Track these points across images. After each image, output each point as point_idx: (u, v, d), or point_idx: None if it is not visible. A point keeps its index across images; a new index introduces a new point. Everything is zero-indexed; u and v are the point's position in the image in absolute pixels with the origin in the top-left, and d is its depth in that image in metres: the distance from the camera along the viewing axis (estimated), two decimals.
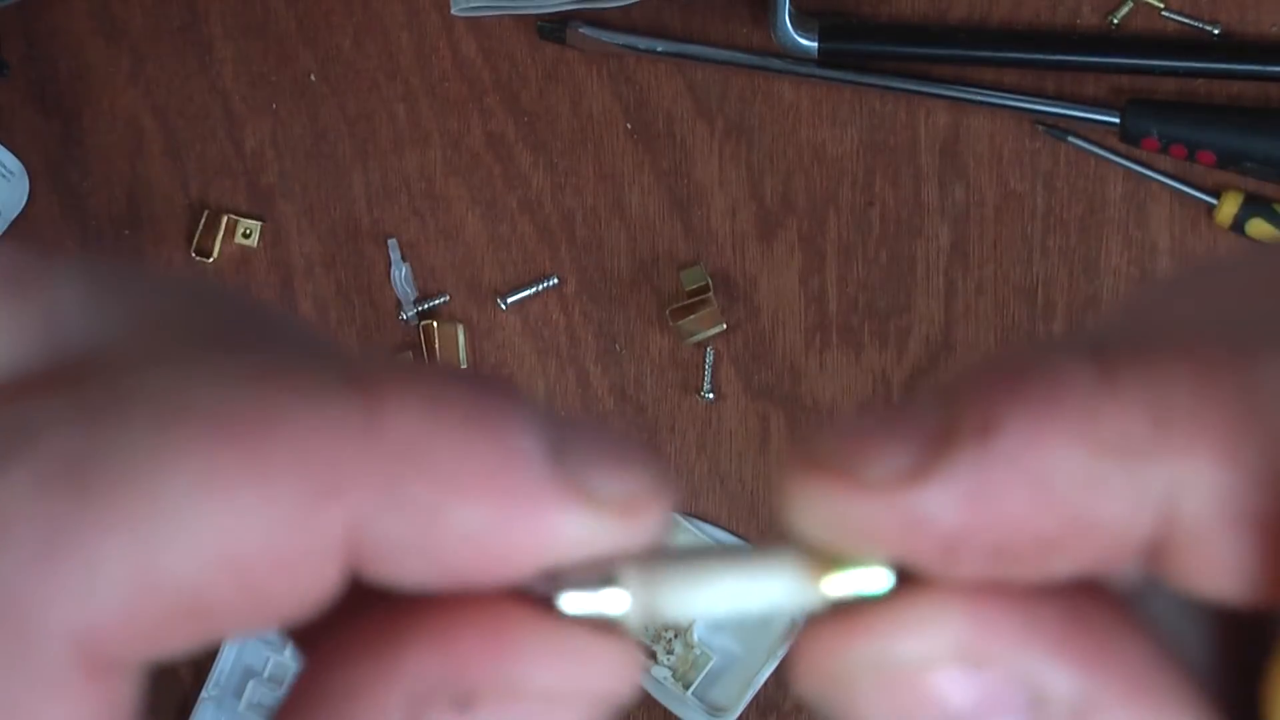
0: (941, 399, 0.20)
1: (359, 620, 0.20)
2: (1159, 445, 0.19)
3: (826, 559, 0.21)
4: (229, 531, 0.19)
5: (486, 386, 0.20)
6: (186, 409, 0.19)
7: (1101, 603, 0.20)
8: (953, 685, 0.20)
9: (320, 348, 0.22)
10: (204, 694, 0.75)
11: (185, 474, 0.19)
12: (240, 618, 0.19)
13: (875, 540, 0.20)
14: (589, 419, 0.20)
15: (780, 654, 0.73)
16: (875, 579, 0.20)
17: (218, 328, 0.21)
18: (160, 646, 0.19)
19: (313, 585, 0.20)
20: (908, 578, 0.20)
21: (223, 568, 0.19)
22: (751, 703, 0.74)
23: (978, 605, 0.20)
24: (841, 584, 0.21)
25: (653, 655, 0.74)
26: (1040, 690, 0.19)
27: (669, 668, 0.74)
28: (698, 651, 0.74)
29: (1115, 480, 0.19)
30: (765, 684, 0.73)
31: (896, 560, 0.20)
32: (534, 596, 0.20)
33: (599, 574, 0.21)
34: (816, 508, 0.20)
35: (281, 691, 0.75)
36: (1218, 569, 0.19)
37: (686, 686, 0.73)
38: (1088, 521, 0.19)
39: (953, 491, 0.19)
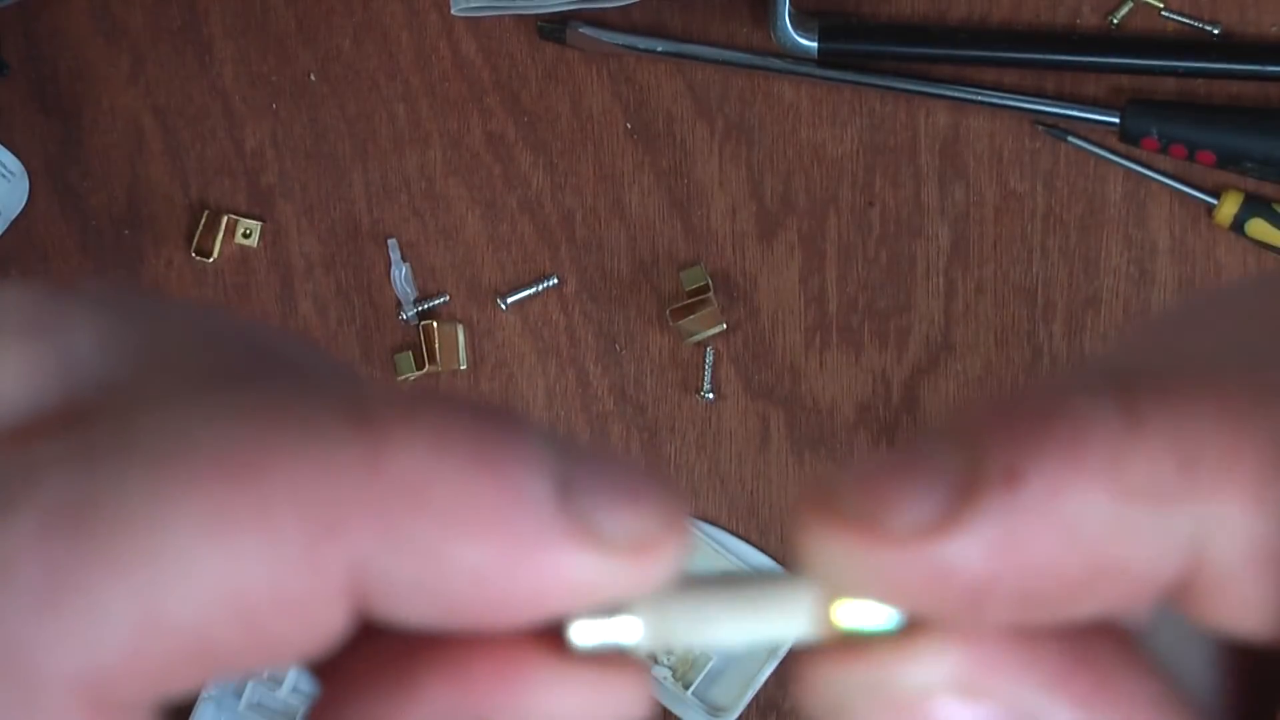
0: (962, 443, 0.19)
1: (373, 650, 0.20)
2: (1187, 489, 0.19)
3: (838, 592, 0.21)
4: (231, 573, 0.19)
5: (493, 421, 0.20)
6: (187, 450, 0.19)
7: (1106, 637, 0.20)
8: (951, 715, 0.20)
9: (328, 377, 0.22)
10: (204, 694, 0.75)
11: (186, 516, 0.19)
12: (246, 658, 0.19)
13: (897, 591, 0.19)
14: (600, 449, 0.20)
15: (780, 654, 0.73)
16: (885, 613, 0.20)
17: (226, 361, 0.21)
18: (166, 688, 0.19)
19: (318, 626, 0.19)
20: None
21: (226, 609, 0.19)
22: (751, 703, 0.74)
23: (982, 640, 0.19)
24: (851, 615, 0.20)
25: (652, 655, 0.74)
26: None
27: (669, 668, 0.74)
28: (698, 651, 0.74)
29: (1143, 525, 0.19)
30: (765, 684, 0.73)
31: (920, 610, 0.20)
32: (547, 625, 0.20)
33: (611, 604, 0.20)
34: (837, 558, 0.20)
35: (281, 691, 0.75)
36: (1244, 608, 0.19)
37: (686, 686, 0.73)
38: (1115, 566, 0.19)
39: (980, 542, 0.19)
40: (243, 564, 0.19)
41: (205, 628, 0.19)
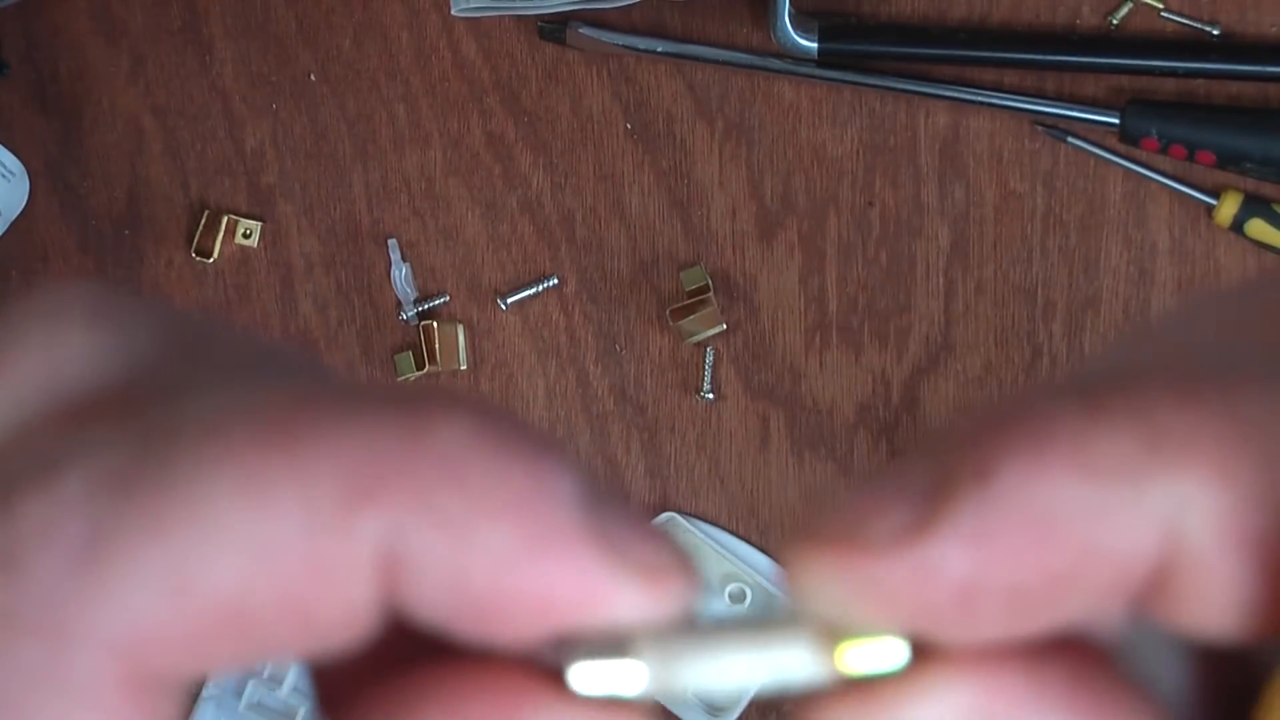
0: (933, 454, 0.20)
1: (376, 687, 0.20)
2: (1153, 465, 0.19)
3: (842, 632, 0.21)
4: (268, 537, 0.19)
5: (534, 431, 0.20)
6: (229, 421, 0.19)
7: (1098, 663, 0.20)
8: None
9: (369, 385, 0.23)
10: (204, 693, 0.75)
11: (227, 480, 0.19)
12: (281, 633, 0.19)
13: (889, 603, 0.20)
14: (625, 495, 0.20)
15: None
16: (891, 653, 0.20)
17: (272, 364, 0.22)
18: (201, 661, 0.19)
19: (349, 600, 0.19)
20: (923, 651, 0.20)
21: (261, 574, 0.19)
22: (751, 703, 0.74)
23: (987, 670, 0.20)
24: (858, 658, 0.20)
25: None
26: None
27: None
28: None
29: (1116, 505, 0.19)
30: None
31: (916, 624, 0.20)
32: (548, 666, 0.20)
33: (614, 644, 0.20)
34: (826, 580, 0.20)
35: (281, 691, 0.75)
36: (1219, 599, 0.19)
37: None
38: (1097, 550, 0.19)
39: (958, 538, 0.19)
40: (279, 527, 0.19)
41: (241, 596, 0.19)
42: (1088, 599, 0.19)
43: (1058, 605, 0.19)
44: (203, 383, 0.21)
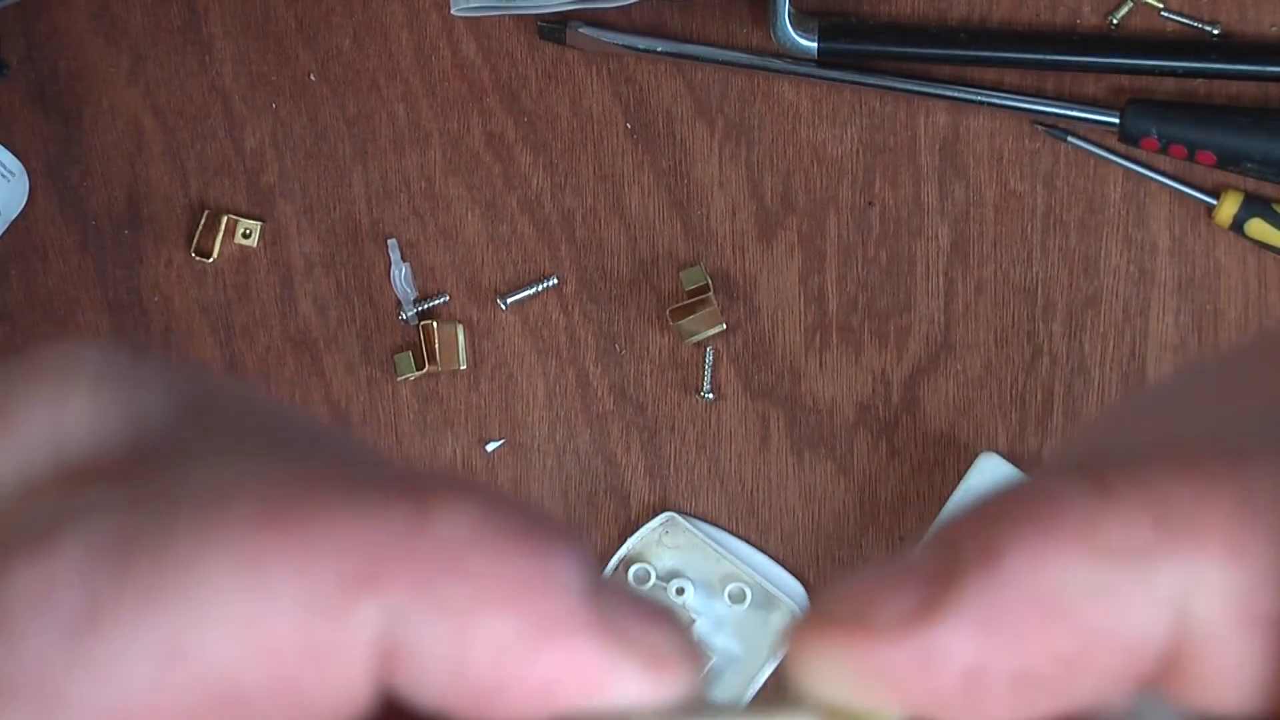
0: (941, 539, 0.20)
1: None
2: (1163, 546, 0.19)
3: (845, 717, 0.20)
4: (265, 617, 0.19)
5: (541, 516, 0.20)
6: (232, 496, 0.19)
7: None
8: None
9: (377, 461, 0.22)
10: None
11: (225, 557, 0.19)
12: (274, 713, 0.19)
13: (894, 688, 0.19)
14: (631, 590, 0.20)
15: (780, 654, 0.73)
16: None
17: (282, 434, 0.22)
18: None
19: (344, 686, 0.19)
20: None
21: (256, 653, 0.19)
22: (751, 703, 0.74)
23: None
24: None
25: None
26: None
27: None
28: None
29: (1125, 586, 0.19)
30: (765, 684, 0.73)
31: (922, 709, 0.19)
32: None
33: None
34: (831, 664, 0.20)
35: None
36: (1232, 679, 0.19)
37: None
38: (1107, 633, 0.19)
39: (965, 623, 0.19)
40: (276, 608, 0.19)
41: (234, 672, 0.19)
42: (1097, 682, 0.19)
43: (1066, 689, 0.19)
44: (211, 450, 0.21)
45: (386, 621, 0.19)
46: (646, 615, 0.20)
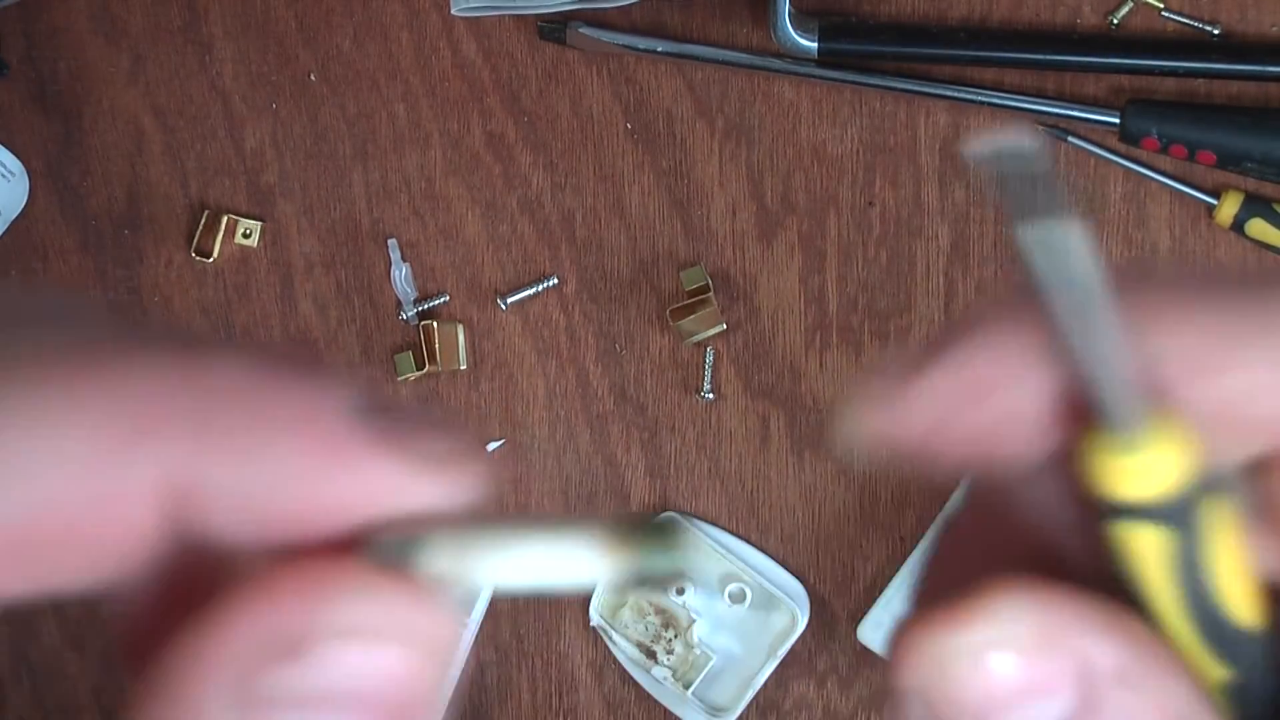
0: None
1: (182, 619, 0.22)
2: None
3: (623, 532, 0.22)
4: (50, 471, 0.21)
5: (307, 356, 0.22)
6: (18, 366, 0.21)
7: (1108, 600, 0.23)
8: (1019, 669, 0.22)
9: (159, 328, 0.25)
10: None
11: (17, 418, 0.21)
12: (68, 559, 0.21)
13: None
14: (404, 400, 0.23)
15: (780, 654, 0.73)
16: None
17: (65, 322, 0.24)
18: None
19: (133, 529, 0.21)
20: None
21: (45, 504, 0.21)
22: (751, 703, 0.74)
23: (1043, 599, 0.22)
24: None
25: (653, 655, 0.74)
26: (1091, 665, 0.22)
27: (669, 668, 0.74)
28: (698, 651, 0.74)
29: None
30: (765, 684, 0.73)
31: None
32: (351, 552, 0.22)
33: (413, 532, 0.22)
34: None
35: None
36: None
37: (686, 686, 0.73)
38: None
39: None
40: (60, 461, 0.21)
41: (29, 523, 0.21)
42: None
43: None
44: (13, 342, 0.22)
45: (172, 467, 0.21)
46: (424, 426, 0.22)
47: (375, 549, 0.22)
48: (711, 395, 0.75)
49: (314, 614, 0.21)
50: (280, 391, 0.21)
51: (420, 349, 0.76)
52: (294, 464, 0.21)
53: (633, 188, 0.75)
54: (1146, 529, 0.22)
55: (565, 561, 0.22)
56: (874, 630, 0.72)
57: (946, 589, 0.22)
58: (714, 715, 0.74)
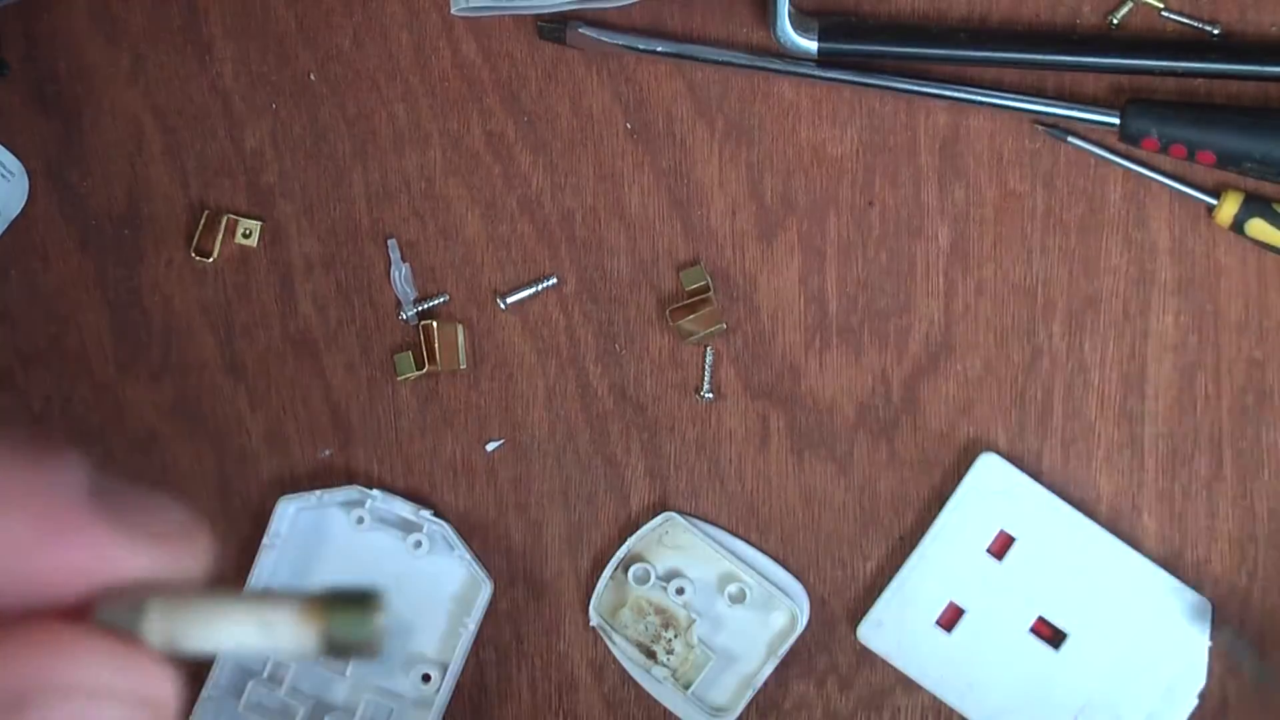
0: None
1: None
2: None
3: (320, 604, 0.25)
4: None
5: (40, 438, 0.24)
6: None
7: None
8: None
9: None
10: (203, 694, 0.75)
11: None
12: None
13: None
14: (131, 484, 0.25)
15: (780, 654, 0.73)
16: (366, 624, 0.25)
17: None
18: None
19: None
20: None
21: None
22: (751, 703, 0.74)
23: None
24: (340, 628, 0.25)
25: (653, 655, 0.74)
26: None
27: (669, 668, 0.74)
28: (698, 651, 0.74)
29: None
30: (765, 684, 0.73)
31: None
32: (80, 617, 0.24)
33: (134, 599, 0.24)
34: None
35: (281, 692, 0.75)
36: None
37: (686, 686, 0.73)
38: None
39: None
40: None
41: None
42: None
43: None
44: None
45: None
46: (144, 505, 0.24)
47: (102, 614, 0.24)
48: (711, 395, 0.75)
49: (37, 672, 0.22)
50: (10, 468, 0.23)
51: (420, 349, 0.76)
52: (23, 533, 0.23)
53: (633, 188, 0.75)
54: None
55: (269, 630, 0.25)
56: (874, 630, 0.72)
57: None
58: (714, 715, 0.74)
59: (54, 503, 0.23)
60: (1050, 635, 0.71)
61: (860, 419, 0.74)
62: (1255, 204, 0.70)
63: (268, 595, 0.25)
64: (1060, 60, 0.71)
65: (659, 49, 0.73)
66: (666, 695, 0.74)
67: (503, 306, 0.76)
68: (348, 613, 0.25)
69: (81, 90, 0.77)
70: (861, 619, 0.73)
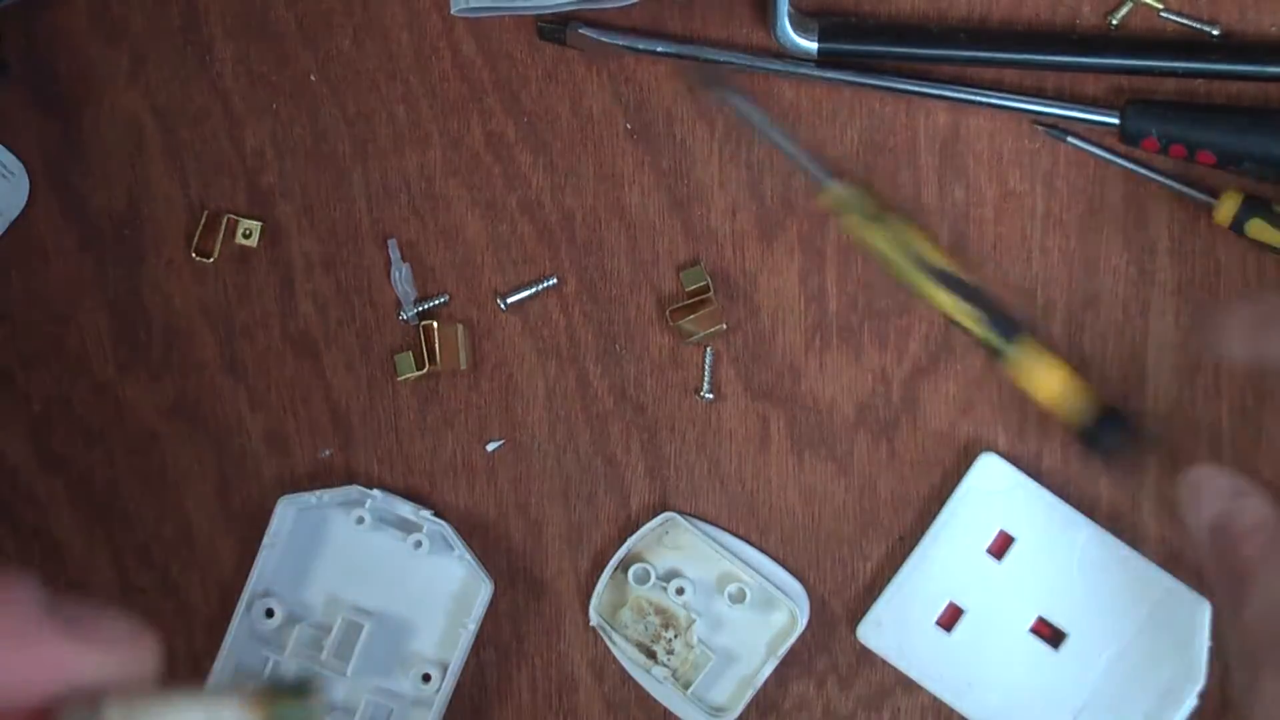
0: None
1: None
2: None
3: (264, 695, 0.27)
4: None
5: None
6: None
7: None
8: None
9: None
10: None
11: None
12: None
13: None
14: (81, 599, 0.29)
15: (780, 654, 0.73)
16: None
17: None
18: None
19: None
20: None
21: None
22: (751, 703, 0.74)
23: None
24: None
25: (653, 655, 0.74)
26: None
27: (669, 668, 0.74)
28: (698, 651, 0.74)
29: None
30: (765, 684, 0.73)
31: None
32: (42, 718, 0.26)
33: (93, 701, 0.26)
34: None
35: None
36: None
37: (686, 686, 0.73)
38: None
39: None
40: None
41: None
42: None
43: None
44: None
45: None
46: (97, 615, 0.26)
47: (65, 717, 0.26)
48: (711, 395, 0.75)
49: None
50: None
51: (420, 349, 0.76)
52: None
53: (633, 188, 0.75)
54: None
55: None
56: (874, 630, 0.73)
57: None
58: (714, 715, 0.74)
59: (13, 619, 0.25)
60: (1050, 635, 0.71)
61: (860, 419, 0.74)
62: (1255, 204, 0.70)
63: (214, 690, 0.27)
64: (1060, 60, 0.71)
65: (659, 49, 0.73)
66: (666, 695, 0.75)
67: (503, 307, 0.76)
68: (289, 701, 0.27)
69: (81, 90, 0.77)
70: (861, 619, 0.73)
